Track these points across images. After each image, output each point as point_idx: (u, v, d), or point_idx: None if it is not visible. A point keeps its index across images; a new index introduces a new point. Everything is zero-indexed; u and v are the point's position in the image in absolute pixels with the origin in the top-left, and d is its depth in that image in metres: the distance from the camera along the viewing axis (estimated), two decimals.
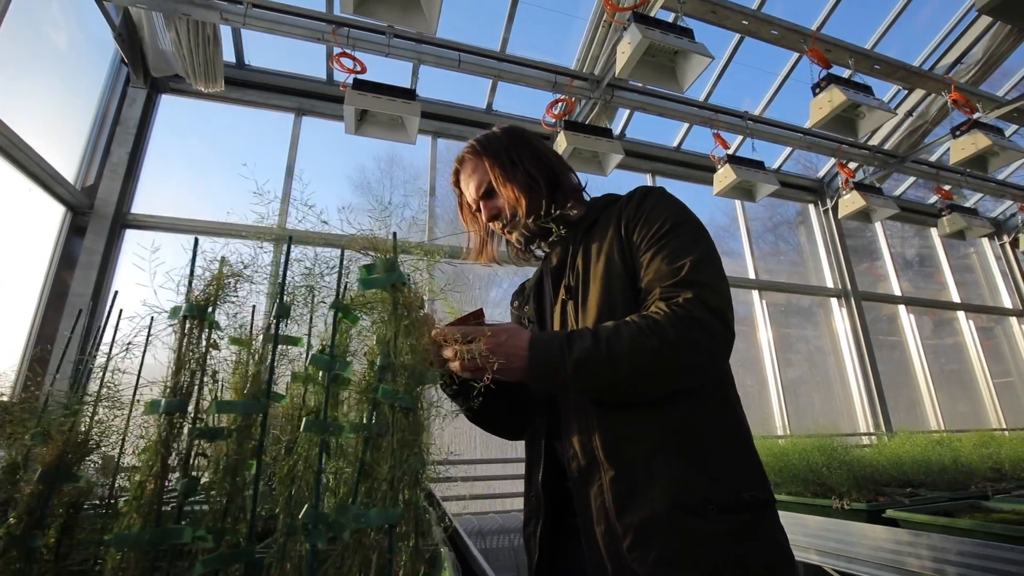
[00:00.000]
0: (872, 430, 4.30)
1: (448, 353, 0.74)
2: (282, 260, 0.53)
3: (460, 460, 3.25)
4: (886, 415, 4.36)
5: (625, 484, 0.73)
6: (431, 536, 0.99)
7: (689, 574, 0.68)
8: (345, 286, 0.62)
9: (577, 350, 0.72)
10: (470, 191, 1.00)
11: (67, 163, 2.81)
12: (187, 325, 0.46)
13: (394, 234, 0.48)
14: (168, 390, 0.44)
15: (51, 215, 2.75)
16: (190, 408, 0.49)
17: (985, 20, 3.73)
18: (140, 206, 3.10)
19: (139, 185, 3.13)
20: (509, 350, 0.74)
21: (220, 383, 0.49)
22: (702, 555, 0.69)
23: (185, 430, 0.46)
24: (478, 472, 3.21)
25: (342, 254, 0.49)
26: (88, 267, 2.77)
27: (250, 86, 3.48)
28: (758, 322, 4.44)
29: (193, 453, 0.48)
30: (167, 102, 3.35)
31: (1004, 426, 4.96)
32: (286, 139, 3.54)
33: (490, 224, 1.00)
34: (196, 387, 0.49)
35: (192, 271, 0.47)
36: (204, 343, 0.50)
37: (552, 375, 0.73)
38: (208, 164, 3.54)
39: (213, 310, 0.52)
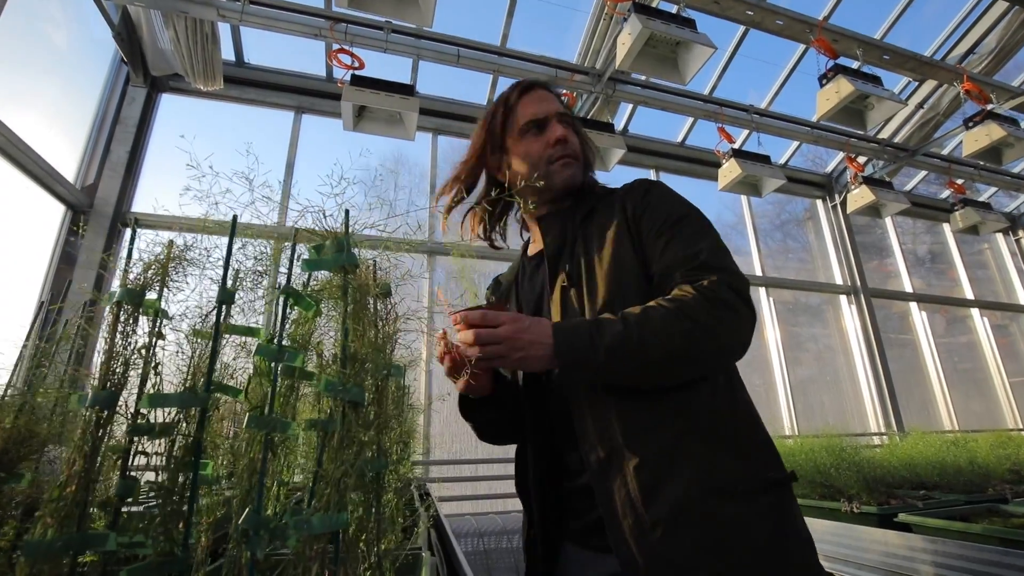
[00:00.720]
0: (883, 430, 4.20)
1: (468, 336, 0.70)
2: (235, 247, 0.49)
3: (461, 460, 3.21)
4: (898, 415, 4.26)
5: (649, 472, 0.70)
6: (415, 540, 0.95)
7: (729, 560, 0.65)
8: (309, 276, 0.58)
9: (608, 336, 0.70)
10: (546, 106, 0.94)
11: (67, 162, 2.81)
12: (121, 313, 0.42)
13: (347, 212, 0.44)
14: (97, 383, 0.40)
15: (51, 214, 2.75)
16: (131, 404, 0.45)
17: (999, 8, 3.63)
18: (140, 205, 3.09)
19: (139, 184, 3.13)
20: (533, 337, 0.71)
21: (160, 376, 0.45)
22: (740, 539, 0.66)
23: (119, 427, 0.42)
24: (479, 472, 3.17)
25: (295, 236, 0.45)
26: (88, 266, 2.76)
27: (249, 84, 3.47)
28: (766, 321, 4.35)
29: (132, 452, 0.44)
30: (167, 101, 3.34)
31: (1021, 426, 4.83)
32: (286, 137, 3.53)
33: (568, 138, 0.93)
34: (139, 381, 0.45)
35: (129, 255, 0.43)
36: (147, 333, 0.46)
37: (582, 363, 0.70)
38: (208, 162, 3.53)
39: (160, 297, 0.48)
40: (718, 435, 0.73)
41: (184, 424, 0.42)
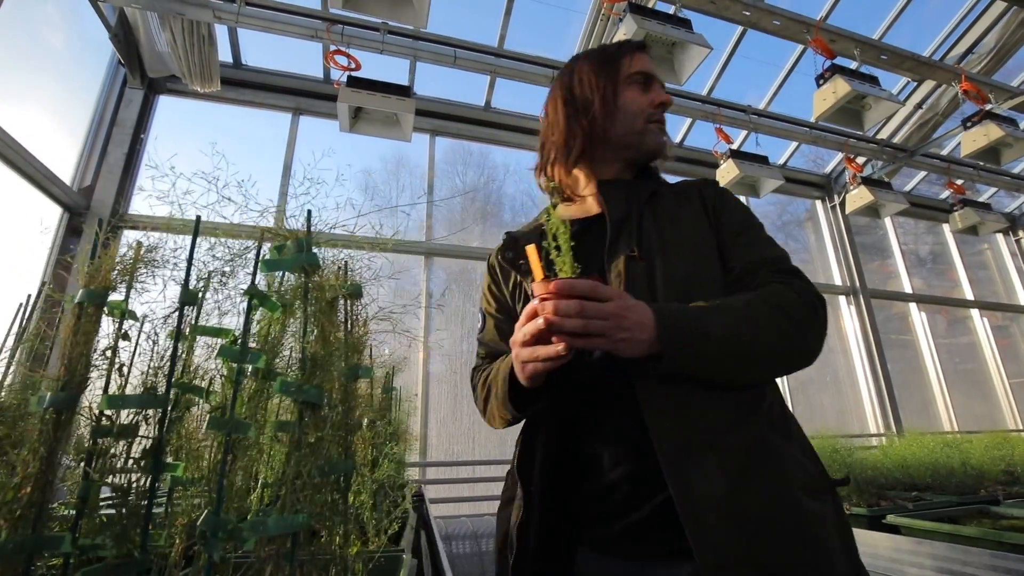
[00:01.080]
0: (882, 431, 4.19)
1: (572, 307, 0.61)
2: (200, 245, 0.49)
3: (458, 462, 3.21)
4: (896, 416, 4.24)
5: (737, 466, 0.67)
6: (394, 541, 0.94)
7: (807, 557, 0.63)
8: (283, 276, 0.58)
9: (718, 326, 0.67)
10: (654, 69, 0.92)
11: (64, 164, 2.82)
12: (81, 312, 0.42)
13: (308, 212, 0.44)
14: (57, 384, 0.40)
15: (48, 216, 2.75)
16: (95, 405, 0.45)
17: (998, 8, 3.62)
18: (137, 207, 3.10)
19: (136, 186, 3.13)
20: (638, 318, 0.64)
21: (127, 378, 0.45)
22: (821, 536, 0.65)
23: (79, 428, 0.42)
24: (477, 473, 3.17)
25: (261, 237, 0.45)
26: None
27: (247, 86, 3.47)
28: None
29: (94, 453, 0.44)
30: (164, 103, 3.35)
31: (1021, 427, 4.81)
32: (283, 138, 3.53)
33: (665, 105, 0.91)
34: (104, 382, 0.45)
35: (93, 254, 0.43)
36: (111, 333, 0.46)
37: (687, 351, 0.66)
38: (205, 164, 3.54)
39: (126, 297, 0.48)
40: (788, 434, 0.73)
41: (146, 426, 0.42)
